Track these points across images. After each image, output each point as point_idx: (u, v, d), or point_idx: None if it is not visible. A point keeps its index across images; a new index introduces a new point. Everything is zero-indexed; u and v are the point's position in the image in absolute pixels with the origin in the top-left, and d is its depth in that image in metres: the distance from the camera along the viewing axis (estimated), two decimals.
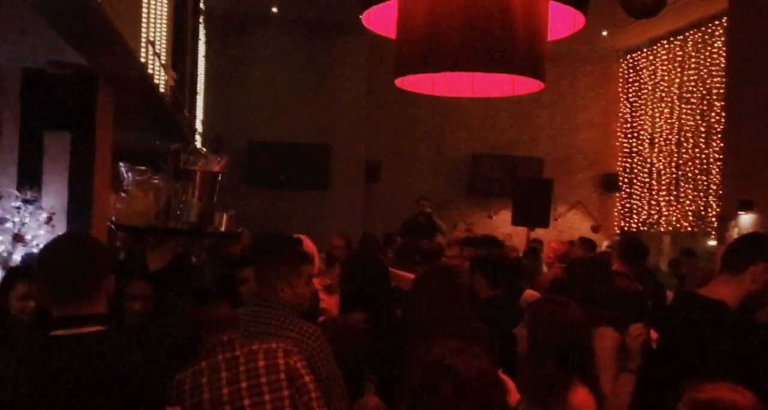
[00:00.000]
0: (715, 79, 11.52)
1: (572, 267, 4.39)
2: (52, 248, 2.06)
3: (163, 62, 6.99)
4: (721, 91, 11.20)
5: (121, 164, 3.18)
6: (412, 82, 6.90)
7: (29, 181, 5.57)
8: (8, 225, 5.30)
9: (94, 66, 5.54)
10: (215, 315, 2.59)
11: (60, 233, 5.48)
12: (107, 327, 1.99)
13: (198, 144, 11.20)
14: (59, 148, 5.73)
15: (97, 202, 5.72)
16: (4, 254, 5.24)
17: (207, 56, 12.07)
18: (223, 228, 3.10)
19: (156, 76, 6.57)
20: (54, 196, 5.65)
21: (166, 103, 7.07)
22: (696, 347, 2.77)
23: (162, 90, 6.89)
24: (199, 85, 11.32)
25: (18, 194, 5.48)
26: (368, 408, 2.68)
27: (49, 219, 5.46)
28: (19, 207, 5.40)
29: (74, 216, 5.64)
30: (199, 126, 11.44)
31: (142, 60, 6.01)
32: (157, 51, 6.66)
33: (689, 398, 2.05)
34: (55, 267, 2.00)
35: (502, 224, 12.61)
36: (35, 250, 5.31)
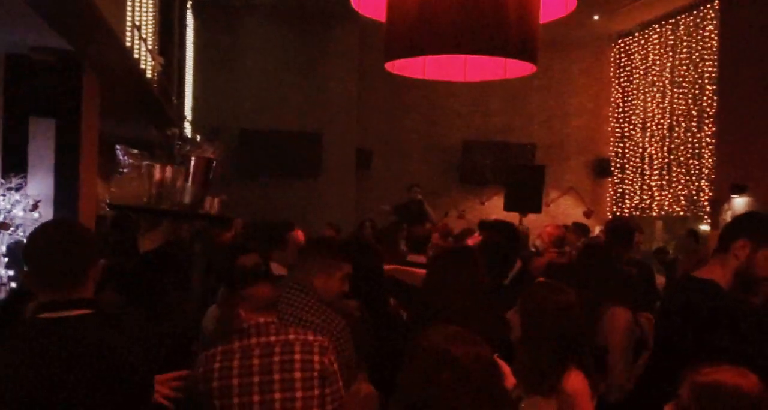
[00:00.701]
0: (707, 63, 11.49)
1: (587, 252, 4.30)
2: (41, 233, 2.06)
3: (150, 48, 6.88)
4: (713, 74, 11.18)
5: (117, 147, 3.28)
6: (403, 66, 6.80)
7: (14, 167, 5.49)
8: None
9: (78, 51, 5.44)
10: (257, 295, 2.55)
11: (47, 220, 5.39)
12: (94, 312, 2.01)
13: (188, 132, 11.10)
14: (45, 135, 5.63)
15: (83, 189, 5.64)
16: None
17: (195, 44, 11.94)
18: (213, 212, 3.17)
19: (142, 62, 6.47)
20: (40, 183, 5.56)
21: (153, 90, 6.97)
22: (695, 329, 2.73)
23: (149, 76, 6.78)
24: (187, 72, 11.18)
25: (3, 181, 5.39)
26: (360, 397, 2.63)
27: (35, 207, 5.37)
28: (4, 195, 5.31)
29: (61, 203, 5.56)
30: (188, 114, 11.32)
31: (128, 45, 5.91)
32: (143, 36, 6.55)
33: (692, 382, 2.01)
34: (44, 251, 2.01)
35: (494, 210, 12.56)
36: (20, 237, 5.23)
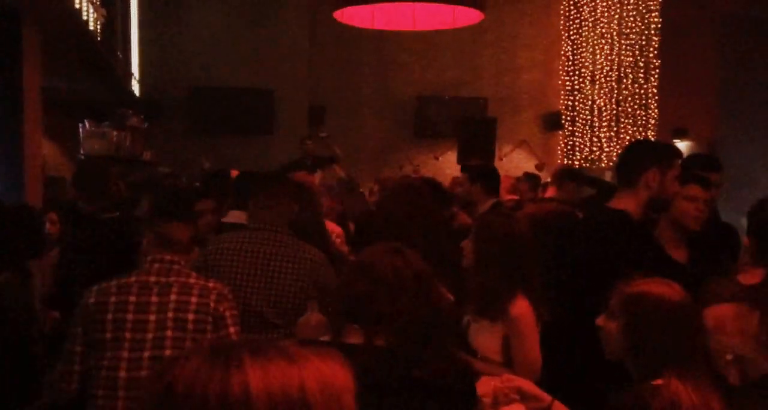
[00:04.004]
0: (653, 14, 11.65)
1: None
2: None
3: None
4: (659, 25, 11.36)
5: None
6: (352, 15, 6.77)
7: None
8: None
9: (17, 2, 5.27)
10: (169, 234, 2.58)
11: None
12: None
13: (136, 89, 10.88)
14: None
15: (27, 145, 5.51)
16: None
17: None
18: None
19: (84, 13, 6.29)
20: None
21: (96, 43, 6.79)
22: (605, 253, 2.86)
23: (91, 28, 6.60)
24: (133, 28, 10.89)
25: None
26: (311, 325, 2.69)
27: None
28: None
29: (5, 159, 5.42)
30: (135, 71, 11.07)
31: None
32: None
33: (620, 292, 2.12)
34: None
35: (448, 165, 12.67)
36: None
